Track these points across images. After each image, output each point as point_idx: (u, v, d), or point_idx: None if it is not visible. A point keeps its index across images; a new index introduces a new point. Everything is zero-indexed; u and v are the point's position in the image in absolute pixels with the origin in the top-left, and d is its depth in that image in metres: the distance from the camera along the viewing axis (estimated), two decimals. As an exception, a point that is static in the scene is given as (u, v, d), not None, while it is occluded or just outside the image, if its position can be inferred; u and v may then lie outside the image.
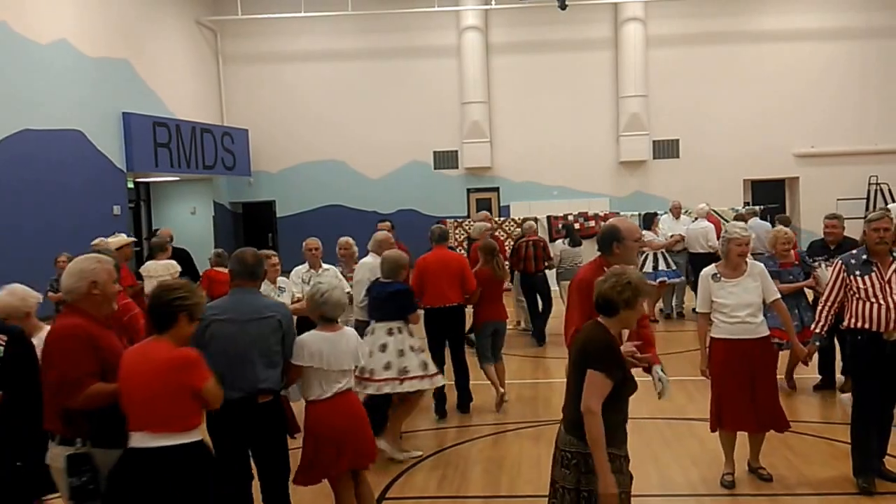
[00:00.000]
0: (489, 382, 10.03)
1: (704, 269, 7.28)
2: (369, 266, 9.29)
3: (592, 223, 21.22)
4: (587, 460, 4.54)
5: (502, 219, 22.44)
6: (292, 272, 10.40)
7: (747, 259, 7.13)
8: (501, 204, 27.65)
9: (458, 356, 9.82)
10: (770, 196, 26.63)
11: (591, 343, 4.69)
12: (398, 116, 27.58)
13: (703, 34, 26.94)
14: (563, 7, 23.08)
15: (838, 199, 24.88)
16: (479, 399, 10.08)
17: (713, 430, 7.22)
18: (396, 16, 26.77)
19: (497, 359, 10.24)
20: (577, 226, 21.01)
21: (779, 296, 7.23)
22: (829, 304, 7.12)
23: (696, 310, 7.44)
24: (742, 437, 7.27)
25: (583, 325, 5.02)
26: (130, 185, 23.55)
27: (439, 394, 9.51)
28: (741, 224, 7.54)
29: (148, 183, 25.77)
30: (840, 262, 7.10)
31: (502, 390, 9.93)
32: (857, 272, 6.89)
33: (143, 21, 23.40)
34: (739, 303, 6.93)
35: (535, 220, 19.34)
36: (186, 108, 25.04)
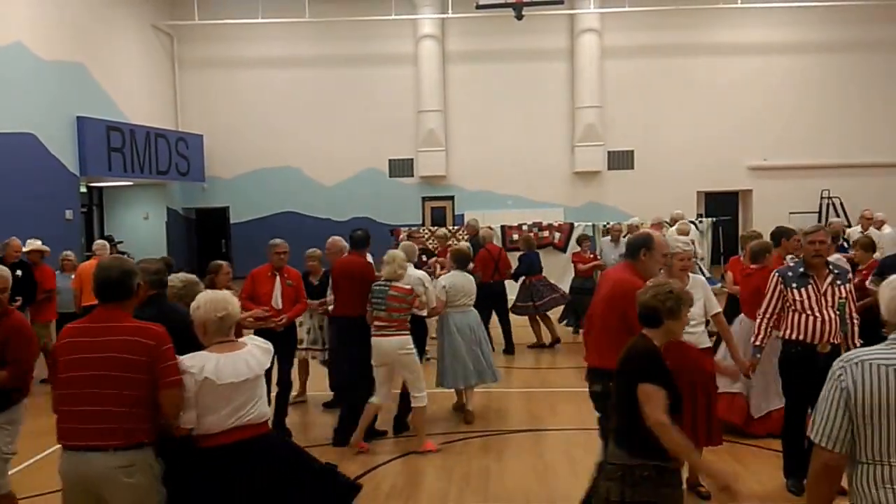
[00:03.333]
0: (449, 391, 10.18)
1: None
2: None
3: (546, 233, 21.35)
4: (633, 472, 4.53)
5: (456, 227, 22.48)
6: None
7: (689, 273, 7.21)
8: (456, 212, 27.72)
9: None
10: (723, 208, 26.95)
11: (639, 357, 4.66)
12: (354, 124, 27.57)
13: (658, 46, 27.21)
14: (519, 17, 23.18)
15: (790, 213, 25.23)
16: (429, 408, 10.12)
17: None
18: (353, 23, 26.78)
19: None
20: (530, 235, 21.19)
21: (719, 309, 7.35)
22: (766, 316, 7.29)
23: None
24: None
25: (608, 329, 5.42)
26: (83, 190, 23.36)
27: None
28: (684, 238, 7.64)
29: (101, 188, 25.56)
30: (777, 274, 7.26)
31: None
32: (794, 284, 7.07)
33: (99, 25, 23.20)
34: None
35: (490, 228, 19.53)
36: (141, 112, 24.85)
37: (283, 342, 8.94)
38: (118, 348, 4.55)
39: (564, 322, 15.29)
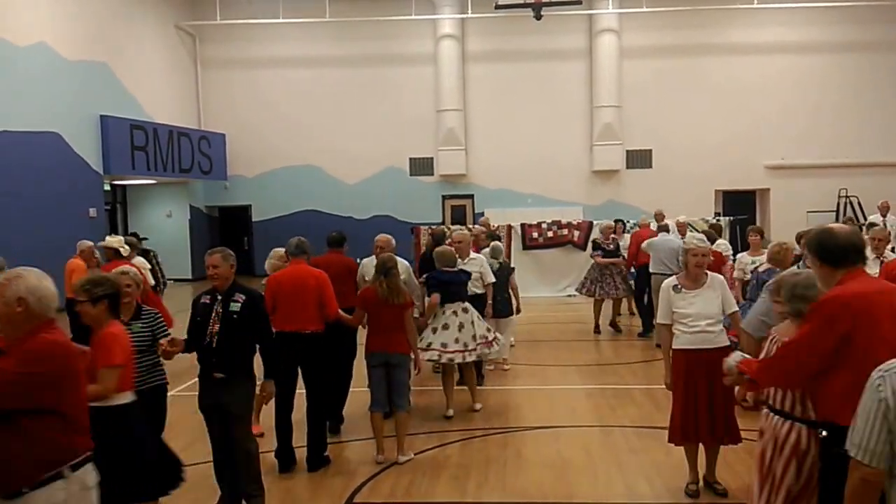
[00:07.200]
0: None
1: (665, 281, 7.37)
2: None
3: (566, 231, 21.44)
4: None
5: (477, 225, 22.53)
6: None
7: (707, 271, 7.21)
8: (476, 211, 27.82)
9: (313, 394, 8.35)
10: (741, 207, 26.95)
11: None
12: (375, 123, 27.72)
13: (676, 46, 27.24)
14: (538, 17, 23.26)
15: (808, 212, 25.20)
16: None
17: (670, 442, 7.28)
18: (374, 23, 26.91)
19: (397, 405, 8.40)
20: (549, 234, 21.29)
21: (737, 308, 7.35)
22: None
23: (657, 321, 7.51)
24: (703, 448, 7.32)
25: None
26: (107, 188, 23.58)
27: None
28: (699, 236, 7.63)
29: (124, 185, 25.80)
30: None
31: (403, 457, 8.37)
32: None
33: (122, 24, 23.43)
34: (700, 312, 6.96)
35: (509, 226, 19.74)
36: (164, 111, 25.07)
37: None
38: None
39: None
